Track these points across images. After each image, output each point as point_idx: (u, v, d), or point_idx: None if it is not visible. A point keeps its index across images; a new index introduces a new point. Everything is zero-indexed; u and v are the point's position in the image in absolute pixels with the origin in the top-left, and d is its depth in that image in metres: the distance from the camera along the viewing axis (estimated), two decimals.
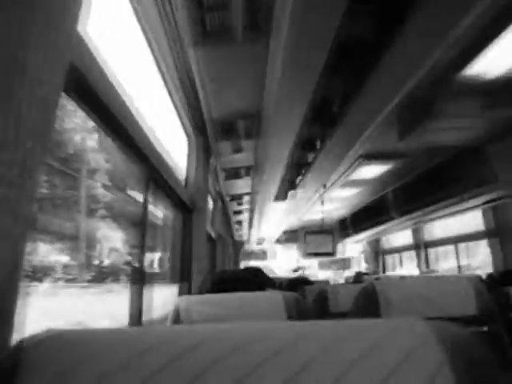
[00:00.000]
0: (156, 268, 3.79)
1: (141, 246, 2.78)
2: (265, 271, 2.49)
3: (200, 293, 2.18)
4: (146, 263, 2.95)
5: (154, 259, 3.67)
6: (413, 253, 9.25)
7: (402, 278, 6.36)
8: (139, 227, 2.83)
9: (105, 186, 2.81)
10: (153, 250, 3.62)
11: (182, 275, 3.90)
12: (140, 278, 2.75)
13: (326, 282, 6.27)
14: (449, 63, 3.24)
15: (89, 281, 2.75)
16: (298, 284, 4.74)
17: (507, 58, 3.07)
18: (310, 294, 3.78)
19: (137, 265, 2.78)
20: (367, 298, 2.12)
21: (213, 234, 6.87)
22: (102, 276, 2.98)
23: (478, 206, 6.19)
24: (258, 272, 2.33)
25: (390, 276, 9.87)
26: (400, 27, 2.51)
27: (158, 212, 3.75)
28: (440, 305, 2.07)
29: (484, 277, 4.99)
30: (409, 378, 0.49)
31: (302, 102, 3.14)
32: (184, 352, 0.53)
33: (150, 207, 3.03)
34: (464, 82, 3.49)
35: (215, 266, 7.38)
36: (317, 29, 2.25)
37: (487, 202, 5.86)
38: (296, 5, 2.07)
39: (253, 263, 13.46)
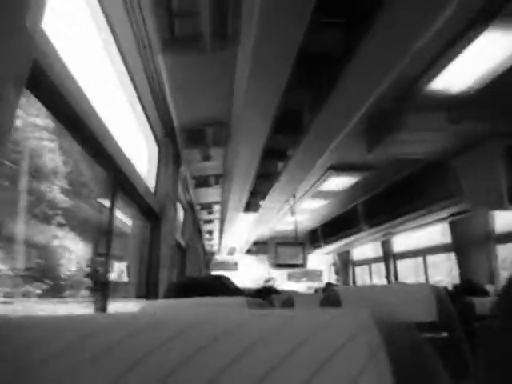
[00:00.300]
0: (122, 277, 3.72)
1: (106, 256, 2.72)
2: (235, 281, 2.48)
3: (165, 298, 2.17)
4: (112, 273, 2.86)
5: (119, 268, 3.60)
6: (382, 265, 9.31)
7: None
8: (104, 235, 2.77)
9: (63, 190, 2.71)
10: (119, 258, 3.55)
11: (148, 284, 3.86)
12: (103, 290, 2.65)
13: (295, 292, 6.27)
14: (415, 77, 3.31)
15: (39, 295, 2.58)
16: (266, 293, 4.76)
17: (469, 73, 3.15)
18: (277, 302, 3.80)
19: (100, 276, 2.68)
20: (330, 304, 2.15)
21: (183, 243, 6.84)
22: (58, 289, 2.80)
23: (445, 219, 6.28)
24: (225, 280, 2.32)
25: (366, 285, 9.91)
26: (365, 38, 2.56)
27: (125, 219, 3.70)
28: (402, 311, 2.11)
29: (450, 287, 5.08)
30: (346, 362, 0.51)
31: (269, 110, 3.16)
32: (124, 338, 0.54)
33: (117, 214, 2.98)
34: (429, 96, 3.57)
35: (185, 275, 7.34)
36: (282, 38, 2.29)
37: (453, 215, 5.95)
38: (262, 15, 2.10)
39: (223, 273, 13.34)
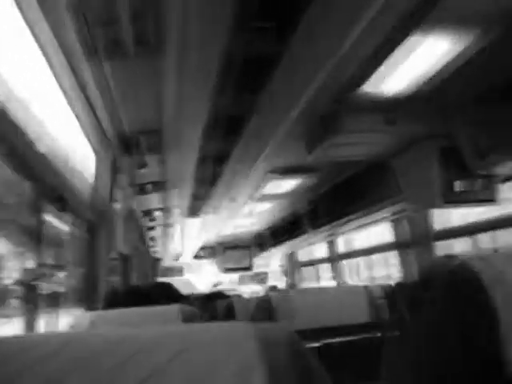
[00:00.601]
0: (58, 287, 3.62)
1: (37, 264, 2.65)
2: (187, 286, 2.45)
3: (104, 306, 2.15)
4: (45, 283, 2.78)
5: (55, 277, 3.52)
6: (329, 265, 9.41)
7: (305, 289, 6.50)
8: (37, 242, 2.70)
9: None
10: (55, 267, 3.47)
11: (87, 293, 3.80)
12: (34, 301, 2.55)
13: (239, 296, 6.31)
14: (350, 79, 3.36)
15: None
16: (213, 298, 4.78)
17: (403, 76, 3.23)
18: (220, 307, 3.81)
19: (31, 285, 2.58)
20: (263, 310, 2.18)
21: (126, 251, 6.74)
22: None
23: (386, 218, 6.40)
24: (167, 287, 2.31)
25: (301, 288, 10.01)
26: (292, 41, 2.60)
27: (61, 226, 3.62)
28: (336, 314, 2.16)
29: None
30: (224, 375, 0.53)
31: (199, 116, 3.18)
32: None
33: (52, 221, 2.91)
34: (366, 99, 3.63)
35: (129, 282, 7.25)
36: (205, 44, 2.31)
37: (395, 214, 6.08)
38: (183, 21, 2.12)
39: (172, 279, 13.26)
